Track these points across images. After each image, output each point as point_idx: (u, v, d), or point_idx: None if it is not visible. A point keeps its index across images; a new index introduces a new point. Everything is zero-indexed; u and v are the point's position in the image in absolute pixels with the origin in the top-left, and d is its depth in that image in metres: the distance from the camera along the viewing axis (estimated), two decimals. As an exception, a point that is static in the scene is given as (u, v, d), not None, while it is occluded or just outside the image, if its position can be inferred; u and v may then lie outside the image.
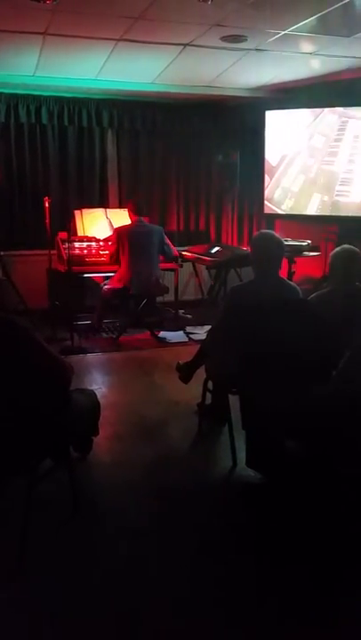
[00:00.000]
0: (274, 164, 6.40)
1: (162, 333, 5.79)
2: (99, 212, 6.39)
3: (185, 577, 2.33)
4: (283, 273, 5.29)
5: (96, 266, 5.77)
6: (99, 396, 3.21)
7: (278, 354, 2.64)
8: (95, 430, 3.12)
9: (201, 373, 3.60)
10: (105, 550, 2.49)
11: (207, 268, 6.62)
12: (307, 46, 4.66)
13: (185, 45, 4.66)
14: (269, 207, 6.52)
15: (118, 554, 2.46)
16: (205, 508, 2.83)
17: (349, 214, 5.88)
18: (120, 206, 6.61)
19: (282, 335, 2.68)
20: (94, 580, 2.30)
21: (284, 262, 5.66)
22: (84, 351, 5.24)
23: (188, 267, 6.63)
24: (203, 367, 3.62)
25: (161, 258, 5.72)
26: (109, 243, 5.71)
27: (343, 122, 5.83)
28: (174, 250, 5.90)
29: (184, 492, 2.96)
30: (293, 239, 5.94)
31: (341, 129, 5.84)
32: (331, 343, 2.58)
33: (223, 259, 6.09)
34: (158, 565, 2.40)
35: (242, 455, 3.10)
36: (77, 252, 5.75)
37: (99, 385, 4.42)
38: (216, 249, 6.35)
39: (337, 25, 4.11)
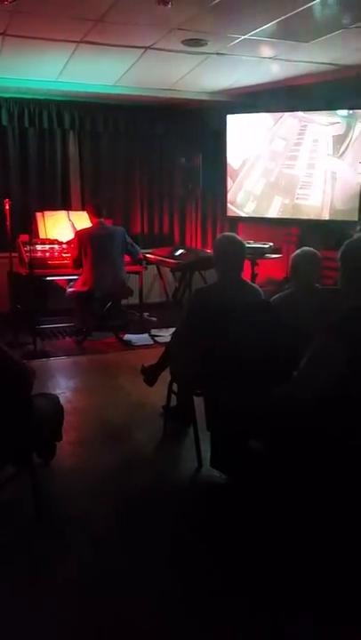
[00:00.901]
0: (236, 168, 6.46)
1: (127, 336, 5.77)
2: (61, 214, 6.33)
3: (152, 580, 2.32)
4: (246, 275, 5.35)
5: (59, 269, 5.72)
6: (62, 400, 3.18)
7: (241, 355, 2.66)
8: (58, 435, 3.08)
9: (166, 376, 3.60)
10: (69, 557, 2.46)
11: (171, 271, 6.63)
12: (267, 51, 4.72)
13: (146, 49, 4.66)
14: (232, 210, 6.58)
15: (83, 560, 2.44)
16: (171, 509, 2.83)
17: (310, 217, 5.98)
18: (83, 208, 6.57)
19: (244, 336, 2.71)
20: (57, 588, 2.27)
21: (247, 264, 5.73)
22: (48, 355, 5.18)
23: (152, 269, 6.64)
24: (168, 369, 3.62)
25: (127, 259, 5.71)
26: (71, 246, 5.66)
27: (303, 126, 5.92)
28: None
29: (149, 494, 2.96)
30: (256, 241, 6.00)
31: (301, 133, 5.93)
32: (292, 344, 2.61)
33: (187, 261, 6.11)
34: (124, 570, 2.38)
35: (207, 456, 3.12)
36: (39, 254, 5.68)
37: (62, 389, 4.37)
38: (180, 251, 6.36)
39: (296, 30, 4.17)
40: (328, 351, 2.14)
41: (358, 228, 3.46)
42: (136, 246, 5.83)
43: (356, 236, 2.31)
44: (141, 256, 6.02)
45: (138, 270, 6.05)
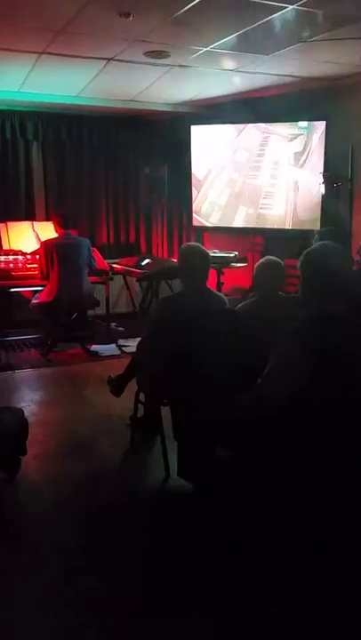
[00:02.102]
0: (201, 178, 6.52)
1: (94, 347, 5.73)
2: (25, 225, 6.28)
3: (121, 593, 2.30)
4: (212, 284, 5.39)
5: (23, 280, 5.65)
6: (27, 413, 3.15)
7: (205, 363, 2.67)
8: (23, 449, 3.04)
9: (133, 386, 3.59)
10: (36, 572, 2.42)
11: (138, 281, 6.63)
12: (229, 63, 4.79)
13: (109, 60, 4.68)
14: (198, 220, 6.63)
15: (51, 574, 2.40)
16: (139, 520, 2.81)
17: (274, 226, 6.07)
18: (47, 219, 6.51)
19: (209, 345, 2.72)
20: (25, 604, 2.23)
21: (213, 273, 5.78)
22: (12, 368, 5.11)
23: (119, 279, 6.62)
24: (134, 379, 3.61)
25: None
26: (37, 256, 5.61)
27: (265, 137, 6.03)
28: (99, 262, 5.87)
29: (117, 506, 2.93)
30: (221, 250, 6.06)
31: (263, 144, 6.03)
32: (256, 352, 2.63)
33: (153, 271, 6.13)
34: (94, 583, 2.35)
35: (175, 466, 3.11)
36: (3, 265, 5.61)
37: (27, 402, 4.31)
38: (146, 261, 6.37)
39: (256, 43, 4.25)
40: (290, 358, 2.17)
41: (316, 237, 3.53)
42: (97, 259, 5.81)
43: (314, 245, 2.36)
44: (107, 266, 6.00)
45: (101, 281, 6.01)
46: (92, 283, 5.79)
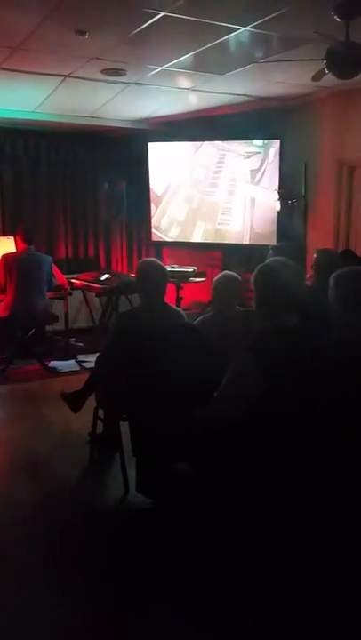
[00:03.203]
0: (159, 194, 6.58)
1: (52, 363, 5.66)
2: (-19, 240, 6.18)
3: (81, 611, 2.26)
4: (171, 298, 5.42)
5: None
6: (-18, 432, 3.08)
7: (163, 378, 2.68)
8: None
9: (92, 402, 3.56)
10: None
11: (97, 296, 6.61)
12: (184, 82, 4.88)
13: (65, 77, 4.70)
14: (157, 235, 6.68)
15: (8, 597, 2.34)
16: (97, 538, 2.78)
17: (232, 241, 6.16)
18: (3, 234, 6.44)
19: (167, 359, 2.73)
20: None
21: (172, 288, 5.82)
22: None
23: (78, 294, 6.58)
24: (93, 395, 3.58)
25: None
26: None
27: (222, 155, 6.14)
28: (59, 278, 5.83)
29: (75, 524, 2.90)
30: (180, 265, 6.11)
31: (220, 162, 6.14)
32: (213, 365, 2.66)
33: (113, 286, 6.11)
34: (52, 604, 2.31)
35: (135, 482, 3.09)
36: None
37: (-18, 421, 4.23)
38: (106, 276, 6.36)
39: (211, 63, 4.35)
40: (245, 371, 2.20)
41: (270, 252, 3.60)
42: (57, 276, 5.77)
43: (267, 260, 2.41)
44: (65, 282, 5.96)
45: (59, 296, 5.95)
46: (51, 298, 5.74)
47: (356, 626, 2.11)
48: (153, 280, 3.30)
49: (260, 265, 2.34)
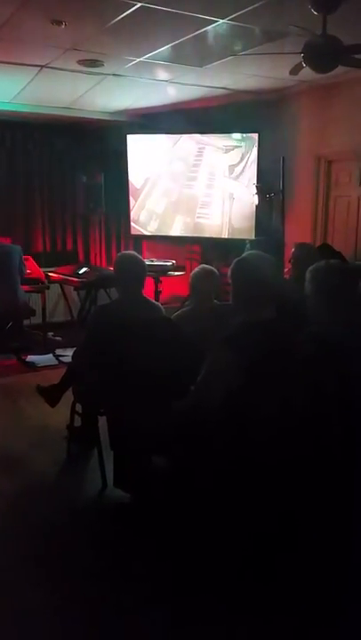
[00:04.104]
0: (138, 187, 6.54)
1: (30, 357, 5.61)
2: None
3: (59, 608, 2.25)
4: (149, 292, 5.41)
5: None
6: None
7: (141, 372, 2.68)
8: None
9: (70, 396, 3.53)
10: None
11: (75, 289, 6.55)
12: (162, 74, 4.85)
13: (42, 67, 4.63)
14: (136, 228, 6.64)
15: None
16: (75, 533, 2.77)
17: (211, 235, 6.16)
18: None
19: (144, 353, 2.72)
20: None
21: (151, 281, 5.80)
22: None
23: (56, 288, 6.52)
24: (71, 389, 3.56)
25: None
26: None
27: (200, 148, 6.12)
28: (35, 271, 5.78)
29: (53, 520, 2.87)
30: (159, 259, 6.09)
31: (199, 155, 6.13)
32: (190, 359, 2.66)
33: (91, 279, 6.08)
34: (33, 600, 2.29)
35: (112, 476, 3.08)
36: None
37: None
38: (84, 270, 6.31)
39: (190, 55, 4.33)
40: (222, 364, 2.21)
41: (248, 246, 3.61)
42: (28, 268, 5.71)
43: (244, 254, 2.41)
44: (42, 275, 5.90)
45: (38, 290, 5.90)
46: (28, 292, 5.68)
47: (333, 623, 2.14)
48: (131, 274, 3.28)
49: (237, 259, 2.34)
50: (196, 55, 4.34)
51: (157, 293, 5.87)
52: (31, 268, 5.83)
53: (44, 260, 6.72)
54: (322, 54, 3.30)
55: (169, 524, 2.66)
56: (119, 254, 3.53)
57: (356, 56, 3.41)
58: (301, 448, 2.15)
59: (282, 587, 2.25)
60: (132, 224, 6.65)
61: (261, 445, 2.19)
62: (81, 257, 7.36)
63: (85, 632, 2.15)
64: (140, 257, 3.39)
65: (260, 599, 2.23)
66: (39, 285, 5.88)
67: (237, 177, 5.93)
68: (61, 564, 2.54)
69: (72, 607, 2.26)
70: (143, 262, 3.36)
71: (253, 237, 5.61)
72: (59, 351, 5.81)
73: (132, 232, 6.71)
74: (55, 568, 2.51)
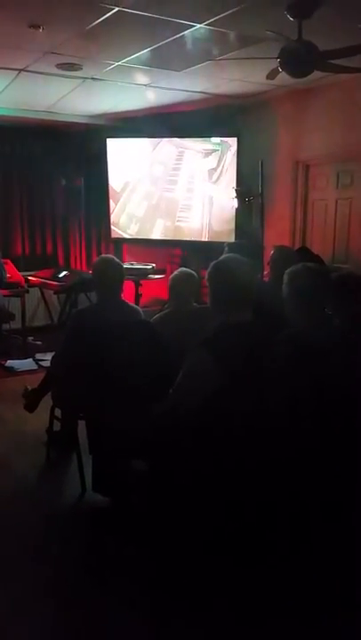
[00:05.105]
0: (118, 190, 6.53)
1: (9, 362, 5.56)
2: None
3: (34, 612, 2.23)
4: (130, 295, 5.40)
5: None
6: None
7: (120, 375, 2.67)
8: None
9: (48, 401, 3.51)
10: None
11: (55, 293, 6.52)
12: (141, 78, 4.86)
13: (20, 71, 4.61)
14: (116, 231, 6.64)
15: None
16: (52, 537, 2.75)
17: (191, 238, 6.18)
18: None
19: (123, 356, 2.72)
20: None
21: (131, 285, 5.80)
22: None
23: (35, 292, 6.48)
24: (50, 394, 3.53)
25: None
26: None
27: (180, 152, 6.14)
28: (14, 275, 5.73)
29: (31, 523, 2.86)
30: (139, 262, 6.09)
31: (179, 159, 6.15)
32: (170, 362, 2.66)
33: (70, 283, 6.05)
34: (8, 604, 2.27)
35: (91, 480, 3.06)
36: None
37: None
38: (64, 273, 6.29)
39: (168, 59, 4.34)
40: (201, 366, 2.21)
41: (226, 249, 3.63)
42: (7, 272, 5.67)
43: (221, 257, 2.42)
44: (22, 279, 5.86)
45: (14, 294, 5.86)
46: (7, 296, 5.63)
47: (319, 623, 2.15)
48: (108, 277, 3.27)
49: (214, 262, 2.34)
50: (174, 59, 4.36)
51: (138, 296, 5.86)
52: (10, 271, 5.78)
53: (24, 264, 6.66)
54: (298, 59, 3.34)
55: (148, 527, 2.66)
56: (97, 258, 3.53)
57: (332, 61, 3.45)
58: (278, 449, 2.16)
59: (267, 589, 2.26)
60: (112, 227, 6.64)
61: (239, 447, 2.20)
62: (61, 260, 7.33)
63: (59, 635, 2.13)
64: (117, 260, 3.38)
65: (243, 602, 2.23)
66: (18, 289, 5.84)
67: (217, 181, 5.96)
68: (38, 567, 2.52)
69: (48, 610, 2.24)
70: (121, 266, 3.35)
71: (233, 240, 5.64)
72: (39, 355, 5.77)
73: (113, 235, 6.70)
74: (32, 571, 2.49)
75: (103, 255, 3.65)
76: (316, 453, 2.18)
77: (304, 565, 2.27)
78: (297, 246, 5.30)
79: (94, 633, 2.15)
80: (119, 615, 2.22)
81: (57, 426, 3.55)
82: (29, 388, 3.73)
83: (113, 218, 6.60)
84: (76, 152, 6.97)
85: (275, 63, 3.48)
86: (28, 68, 4.56)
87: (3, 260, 5.62)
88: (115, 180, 6.51)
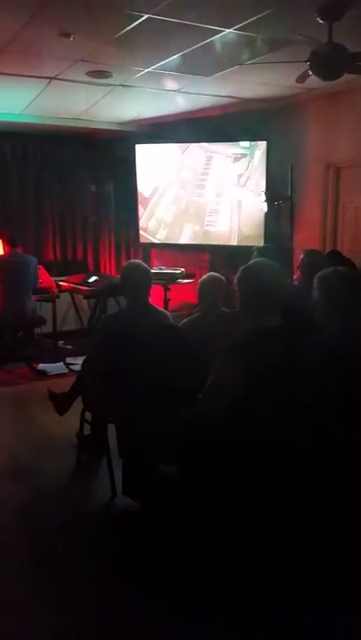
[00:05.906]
0: (147, 195, 6.57)
1: (41, 366, 5.64)
2: (-32, 242, 6.15)
3: (66, 615, 2.25)
4: (158, 300, 5.43)
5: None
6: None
7: (150, 379, 2.68)
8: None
9: (79, 404, 3.54)
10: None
11: (85, 298, 6.59)
12: (170, 84, 4.88)
13: (51, 79, 4.68)
14: (145, 236, 6.67)
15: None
16: (84, 541, 2.77)
17: (219, 243, 6.17)
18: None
19: (152, 361, 2.73)
20: None
21: (160, 289, 5.82)
22: None
23: (66, 297, 6.56)
24: (80, 398, 3.57)
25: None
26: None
27: (209, 157, 6.14)
28: (46, 280, 5.83)
29: (61, 528, 2.88)
30: (168, 267, 6.11)
31: (207, 163, 6.15)
32: (198, 367, 2.66)
33: (101, 288, 6.11)
34: (40, 608, 2.30)
35: (121, 484, 3.08)
36: None
37: (-31, 425, 4.20)
38: (94, 278, 6.35)
39: (197, 65, 4.36)
40: (229, 371, 2.20)
41: (255, 253, 3.61)
42: (40, 278, 5.78)
43: (250, 262, 2.41)
44: (53, 284, 5.95)
45: (46, 299, 5.95)
46: (39, 301, 5.73)
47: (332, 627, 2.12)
48: (136, 282, 3.29)
49: (243, 266, 2.34)
50: (203, 65, 4.37)
51: (166, 301, 5.88)
52: (43, 277, 5.88)
53: (55, 269, 6.77)
54: (328, 62, 3.31)
55: (177, 531, 2.66)
56: (125, 263, 3.56)
57: (363, 63, 3.41)
58: (309, 456, 2.14)
59: (289, 596, 2.23)
60: (140, 232, 6.67)
61: (268, 453, 2.18)
62: (91, 266, 7.41)
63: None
64: (145, 265, 3.40)
65: (266, 606, 2.21)
66: (50, 294, 5.93)
67: (245, 185, 5.94)
68: (69, 571, 2.55)
69: (77, 614, 2.26)
70: (148, 270, 3.37)
71: (262, 244, 5.61)
72: (69, 359, 5.83)
73: (141, 240, 6.73)
74: (62, 575, 2.52)
75: (130, 260, 3.68)
76: (346, 462, 2.15)
77: (327, 567, 2.24)
78: (327, 250, 5.24)
79: (121, 637, 2.15)
80: (146, 619, 2.22)
81: (87, 429, 3.58)
82: (53, 390, 3.77)
83: (142, 223, 6.64)
84: (105, 158, 7.06)
85: (303, 66, 3.47)
86: (59, 77, 4.63)
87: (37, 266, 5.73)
88: (143, 185, 6.55)
